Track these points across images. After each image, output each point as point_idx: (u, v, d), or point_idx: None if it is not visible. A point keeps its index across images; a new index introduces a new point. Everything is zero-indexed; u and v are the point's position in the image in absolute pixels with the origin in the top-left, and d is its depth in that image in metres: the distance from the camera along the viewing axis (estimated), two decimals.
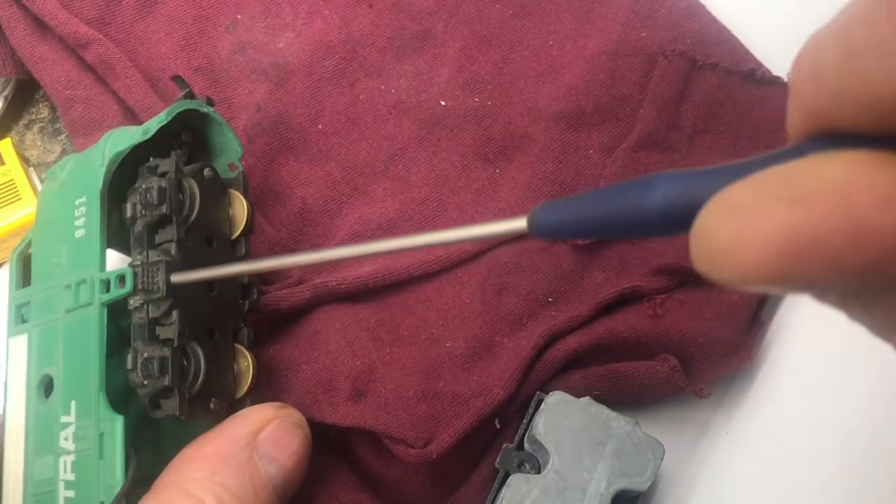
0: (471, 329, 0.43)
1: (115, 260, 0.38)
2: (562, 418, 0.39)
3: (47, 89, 0.48)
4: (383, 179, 0.46)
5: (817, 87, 0.19)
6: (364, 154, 0.47)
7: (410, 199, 0.46)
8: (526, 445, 0.40)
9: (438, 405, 0.41)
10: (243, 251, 0.37)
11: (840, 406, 0.43)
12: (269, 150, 0.46)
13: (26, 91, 0.53)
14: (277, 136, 0.46)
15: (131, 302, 0.31)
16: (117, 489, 0.29)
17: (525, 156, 0.47)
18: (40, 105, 0.53)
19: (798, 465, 0.43)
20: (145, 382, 0.31)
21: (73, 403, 0.31)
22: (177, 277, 0.34)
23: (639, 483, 0.38)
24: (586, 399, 0.40)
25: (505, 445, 0.40)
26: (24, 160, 0.50)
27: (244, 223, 0.37)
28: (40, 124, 0.52)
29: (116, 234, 0.34)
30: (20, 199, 0.48)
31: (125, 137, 0.34)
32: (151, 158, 0.34)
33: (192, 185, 0.34)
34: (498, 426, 0.41)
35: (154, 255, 0.32)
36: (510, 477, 0.38)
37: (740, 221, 0.17)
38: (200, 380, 0.32)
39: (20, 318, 0.34)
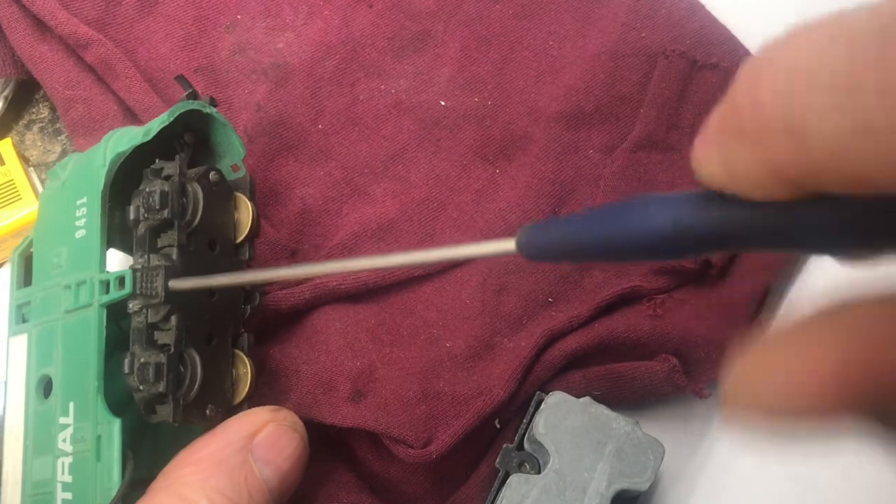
0: (471, 329, 0.43)
1: (120, 259, 0.38)
2: (562, 418, 0.39)
3: (47, 89, 0.48)
4: (383, 179, 0.46)
5: (799, 148, 0.16)
6: (364, 154, 0.47)
7: (410, 200, 0.46)
8: (526, 445, 0.40)
9: (438, 405, 0.41)
10: (247, 255, 0.37)
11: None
12: (269, 150, 0.46)
13: (26, 91, 0.53)
14: (277, 135, 0.46)
15: (130, 306, 0.31)
16: (114, 492, 0.29)
17: (525, 156, 0.47)
18: (40, 105, 0.53)
19: (798, 465, 0.43)
20: (141, 387, 0.31)
21: (71, 405, 0.31)
22: (175, 284, 0.34)
23: (639, 483, 0.38)
24: (586, 399, 0.40)
25: (505, 445, 0.40)
26: (25, 160, 0.50)
27: (248, 227, 0.37)
28: (40, 124, 0.52)
29: (120, 235, 0.34)
30: (20, 198, 0.48)
31: (127, 138, 0.34)
32: (157, 160, 0.33)
33: (196, 190, 0.34)
34: (498, 426, 0.41)
35: (155, 260, 0.32)
36: (510, 477, 0.38)
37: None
38: (197, 387, 0.32)
39: (21, 317, 0.34)
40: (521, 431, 0.41)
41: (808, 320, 0.18)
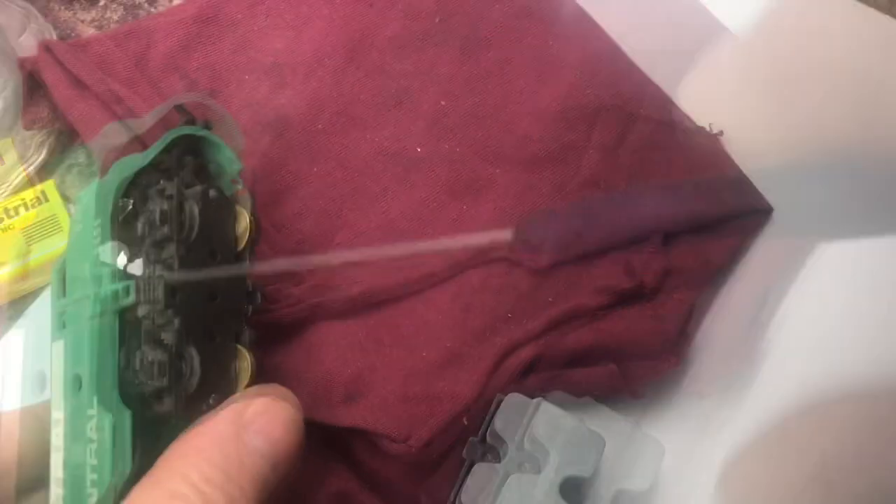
0: (443, 340, 0.43)
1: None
2: (519, 416, 0.39)
3: (84, 139, 0.48)
4: (369, 214, 0.47)
5: None
6: (353, 192, 0.47)
7: (391, 232, 0.46)
8: (488, 439, 0.40)
9: (416, 406, 0.41)
10: (247, 262, 0.36)
11: (750, 406, 0.45)
12: (272, 191, 0.46)
13: (67, 140, 0.53)
14: (279, 178, 0.46)
15: (139, 311, 0.31)
16: (127, 473, 0.29)
17: (489, 193, 0.47)
18: (78, 151, 0.53)
19: (715, 455, 0.43)
20: (147, 382, 0.31)
21: (94, 399, 0.31)
22: (260, 268, 0.35)
23: (584, 470, 0.38)
24: (539, 399, 0.40)
25: (471, 439, 0.40)
26: (65, 198, 0.50)
27: (247, 237, 0.36)
28: (79, 167, 0.53)
29: (138, 247, 0.33)
30: (61, 230, 0.48)
31: (129, 164, 0.33)
32: (161, 181, 0.33)
33: (193, 207, 0.33)
34: (465, 423, 0.42)
35: (159, 270, 0.32)
36: (475, 465, 0.39)
37: None
38: (196, 381, 0.32)
39: (61, 324, 0.34)
40: (484, 427, 0.41)
41: None
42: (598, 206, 0.47)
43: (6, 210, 0.48)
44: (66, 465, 0.32)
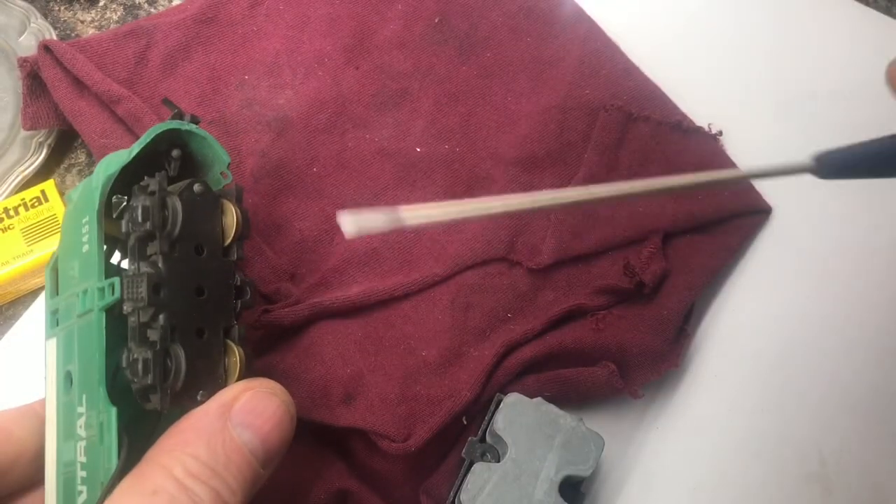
0: (442, 341, 0.43)
1: None
2: (518, 415, 0.39)
3: (84, 138, 0.48)
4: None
5: None
6: (352, 192, 0.47)
7: (391, 231, 0.46)
8: (488, 438, 0.40)
9: (416, 406, 0.41)
10: (235, 256, 0.36)
11: (749, 405, 0.45)
12: (272, 190, 0.46)
13: (67, 139, 0.53)
14: (279, 177, 0.47)
15: (125, 308, 0.30)
16: (112, 470, 0.29)
17: (488, 193, 0.47)
18: (78, 151, 0.53)
19: (715, 455, 0.44)
20: (134, 379, 0.30)
21: (84, 396, 0.31)
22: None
23: (583, 470, 0.39)
24: (538, 399, 0.40)
25: (470, 438, 0.40)
26: (65, 198, 0.50)
27: (234, 230, 0.35)
28: (78, 167, 0.53)
29: (124, 246, 0.33)
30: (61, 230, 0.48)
31: (115, 160, 0.33)
32: (145, 178, 0.33)
33: (175, 202, 0.33)
34: (465, 422, 0.42)
35: (143, 267, 0.31)
36: (474, 465, 0.39)
37: None
38: (182, 378, 0.31)
39: (55, 322, 0.34)
40: (483, 426, 0.41)
41: None
42: (598, 206, 0.47)
43: (6, 210, 0.48)
44: (59, 462, 0.32)
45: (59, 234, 0.47)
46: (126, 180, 0.33)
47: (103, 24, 0.58)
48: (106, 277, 0.31)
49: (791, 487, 0.43)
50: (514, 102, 0.50)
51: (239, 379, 0.34)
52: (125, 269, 0.32)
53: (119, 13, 0.58)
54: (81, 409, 0.31)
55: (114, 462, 0.29)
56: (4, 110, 0.53)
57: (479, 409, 0.42)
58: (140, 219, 0.31)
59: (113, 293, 0.30)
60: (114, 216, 0.33)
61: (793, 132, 0.51)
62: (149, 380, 0.30)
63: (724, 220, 0.48)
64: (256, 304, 0.38)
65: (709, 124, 0.50)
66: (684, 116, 0.50)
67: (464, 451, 0.40)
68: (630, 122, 0.49)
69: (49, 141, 0.52)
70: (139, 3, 0.58)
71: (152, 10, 0.58)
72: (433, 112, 0.50)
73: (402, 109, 0.50)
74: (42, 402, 0.34)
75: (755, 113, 0.52)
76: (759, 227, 0.49)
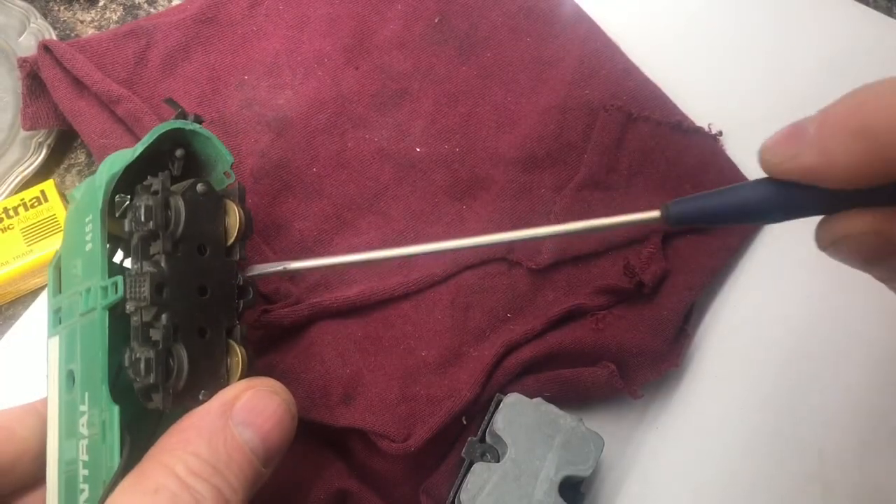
0: (442, 340, 0.43)
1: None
2: (517, 416, 0.40)
3: (84, 138, 0.48)
4: (368, 214, 0.47)
5: None
6: (352, 192, 0.47)
7: (390, 231, 0.46)
8: (487, 438, 0.40)
9: (416, 406, 0.41)
10: (238, 256, 0.36)
11: (749, 405, 0.45)
12: (272, 190, 0.46)
13: (66, 139, 0.53)
14: (279, 177, 0.47)
15: (128, 307, 0.30)
16: (115, 469, 0.29)
17: (487, 194, 0.47)
18: (78, 151, 0.53)
19: (715, 455, 0.44)
20: (136, 379, 0.30)
21: (86, 394, 0.31)
22: (253, 272, 0.35)
23: (582, 470, 0.39)
24: (538, 399, 0.40)
25: (470, 438, 0.40)
26: (65, 198, 0.50)
27: (237, 230, 0.35)
28: (78, 167, 0.53)
29: (127, 245, 0.33)
30: (61, 230, 0.48)
31: (119, 160, 0.33)
32: (148, 177, 0.33)
33: (178, 202, 0.33)
34: (464, 422, 0.42)
35: (146, 266, 0.31)
36: (474, 465, 0.39)
37: None
38: (184, 378, 0.31)
39: (57, 320, 0.34)
40: (483, 427, 0.41)
41: None
42: (598, 206, 0.47)
43: (6, 210, 0.48)
44: (61, 460, 0.32)
45: (58, 234, 0.48)
46: (129, 179, 0.33)
47: (103, 24, 0.58)
48: (109, 276, 0.31)
49: (791, 487, 0.43)
50: (514, 102, 0.50)
51: (241, 378, 0.34)
52: (128, 269, 0.32)
53: (119, 13, 0.58)
54: (84, 408, 0.31)
55: (116, 460, 0.29)
56: (4, 110, 0.53)
57: (479, 409, 0.42)
58: (143, 218, 0.31)
59: (116, 292, 0.30)
60: (116, 215, 0.33)
61: None
62: (151, 379, 0.30)
63: None
64: (257, 304, 0.38)
65: (709, 124, 0.50)
66: (684, 116, 0.50)
67: (463, 451, 0.40)
68: (630, 122, 0.49)
69: (49, 141, 0.52)
70: (139, 3, 0.58)
71: (152, 10, 0.58)
72: (433, 112, 0.50)
73: (402, 109, 0.50)
74: (44, 401, 0.34)
75: (755, 113, 0.52)
76: (760, 227, 0.49)
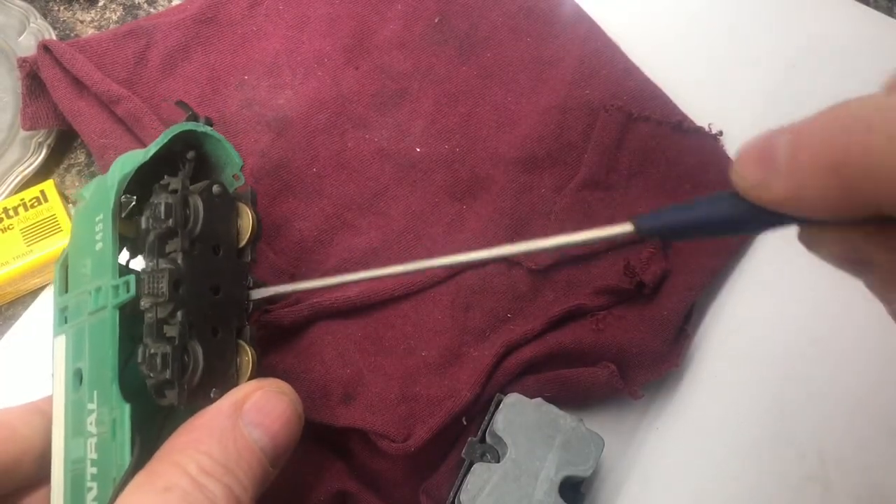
0: (442, 341, 0.43)
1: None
2: (518, 416, 0.40)
3: (84, 138, 0.48)
4: (368, 214, 0.47)
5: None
6: (352, 192, 0.47)
7: (391, 231, 0.46)
8: (487, 439, 0.41)
9: (416, 406, 0.41)
10: (249, 258, 0.36)
11: (749, 405, 0.45)
12: (272, 190, 0.46)
13: (66, 139, 0.53)
14: (279, 177, 0.47)
15: (142, 304, 0.31)
16: (126, 467, 0.29)
17: (488, 194, 0.47)
18: (78, 151, 0.53)
19: (715, 455, 0.44)
20: (151, 375, 0.30)
21: (95, 393, 0.31)
22: (257, 294, 0.35)
23: (583, 470, 0.39)
24: (538, 399, 0.40)
25: (470, 439, 0.40)
26: (65, 198, 0.50)
27: (249, 232, 0.36)
28: (78, 167, 0.53)
29: (143, 241, 0.33)
30: (61, 230, 0.48)
31: (131, 160, 0.33)
32: (165, 177, 0.33)
33: (197, 201, 0.33)
34: (465, 423, 0.42)
35: (163, 263, 0.31)
36: (474, 465, 0.39)
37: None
38: (199, 374, 0.31)
39: (63, 319, 0.34)
40: (483, 427, 0.41)
41: None
42: (598, 206, 0.47)
43: (6, 210, 0.48)
44: (67, 459, 0.32)
45: (58, 235, 0.48)
46: (137, 180, 0.33)
47: (103, 24, 0.58)
48: (119, 276, 0.32)
49: (791, 487, 0.43)
50: (514, 102, 0.50)
51: (251, 378, 0.35)
52: (135, 270, 0.33)
53: (118, 13, 0.58)
54: (92, 406, 0.31)
55: (127, 458, 0.29)
56: (4, 110, 0.53)
57: (479, 409, 0.42)
58: (163, 215, 0.32)
59: (128, 291, 0.31)
60: (122, 216, 0.33)
61: None
62: (167, 375, 0.30)
63: None
64: (259, 307, 0.39)
65: (709, 124, 0.50)
66: (684, 116, 0.50)
67: (464, 451, 0.40)
68: (630, 122, 0.49)
69: (48, 141, 0.52)
70: (139, 3, 0.58)
71: (152, 10, 0.58)
72: (433, 112, 0.50)
73: (402, 109, 0.50)
74: (46, 400, 0.34)
75: (755, 113, 0.52)
76: None
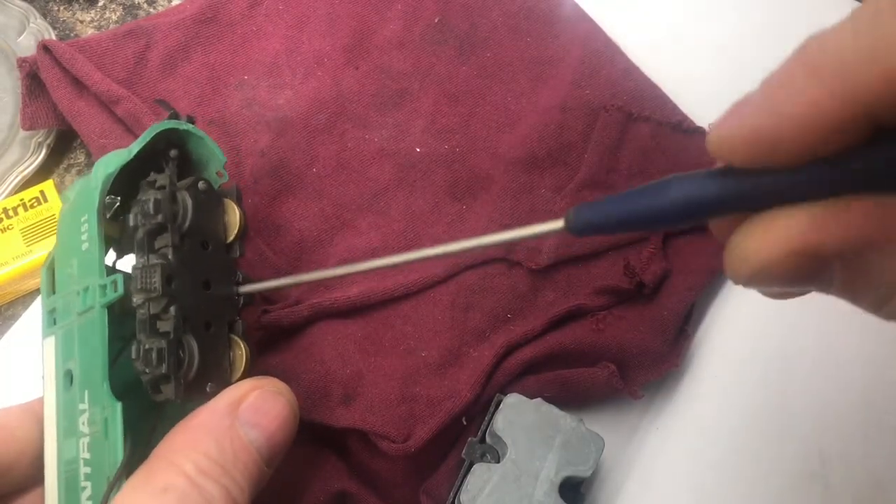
0: (442, 341, 0.43)
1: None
2: (518, 416, 0.40)
3: (84, 138, 0.48)
4: (368, 214, 0.47)
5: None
6: (352, 193, 0.47)
7: (391, 231, 0.46)
8: (487, 439, 0.40)
9: (416, 406, 0.41)
10: (238, 253, 0.36)
11: (749, 405, 0.45)
12: (272, 190, 0.46)
13: (66, 139, 0.53)
14: (278, 177, 0.47)
15: (134, 299, 0.31)
16: (119, 465, 0.29)
17: (488, 194, 0.47)
18: (78, 151, 0.53)
19: (715, 455, 0.44)
20: (146, 370, 0.30)
21: (86, 393, 0.31)
22: (245, 288, 0.35)
23: (582, 470, 0.39)
24: (538, 400, 0.40)
25: (470, 439, 0.40)
26: (65, 198, 0.50)
27: (237, 228, 0.36)
28: (77, 167, 0.53)
29: (129, 240, 0.33)
30: None
31: (114, 160, 0.33)
32: (151, 174, 0.33)
33: (185, 197, 0.33)
34: (464, 423, 0.42)
35: (153, 259, 0.31)
36: (474, 466, 0.39)
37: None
38: (195, 367, 0.31)
39: (52, 321, 0.34)
40: (483, 427, 0.41)
41: None
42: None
43: (6, 210, 0.49)
44: (60, 460, 0.32)
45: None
46: (121, 180, 0.33)
47: (102, 24, 0.58)
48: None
49: (791, 487, 0.43)
50: (514, 102, 0.50)
51: (245, 372, 0.35)
52: (122, 270, 0.32)
53: (118, 13, 0.58)
54: (83, 406, 0.31)
55: (120, 456, 0.30)
56: (4, 110, 0.53)
57: (479, 409, 0.42)
58: (152, 211, 0.32)
59: (116, 290, 0.31)
60: (107, 216, 0.33)
61: None
62: (163, 369, 0.30)
63: None
64: (255, 302, 0.39)
65: (709, 124, 0.50)
66: (685, 117, 0.50)
67: (463, 451, 0.40)
68: (630, 122, 0.49)
69: (48, 141, 0.52)
70: (138, 3, 0.58)
71: (151, 10, 0.58)
72: (433, 112, 0.50)
73: (402, 109, 0.50)
74: (40, 401, 0.34)
75: None
76: None
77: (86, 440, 0.31)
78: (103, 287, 0.31)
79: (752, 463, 0.43)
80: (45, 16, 0.57)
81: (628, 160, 0.48)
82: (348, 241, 0.46)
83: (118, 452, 0.30)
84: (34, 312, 0.48)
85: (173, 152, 0.35)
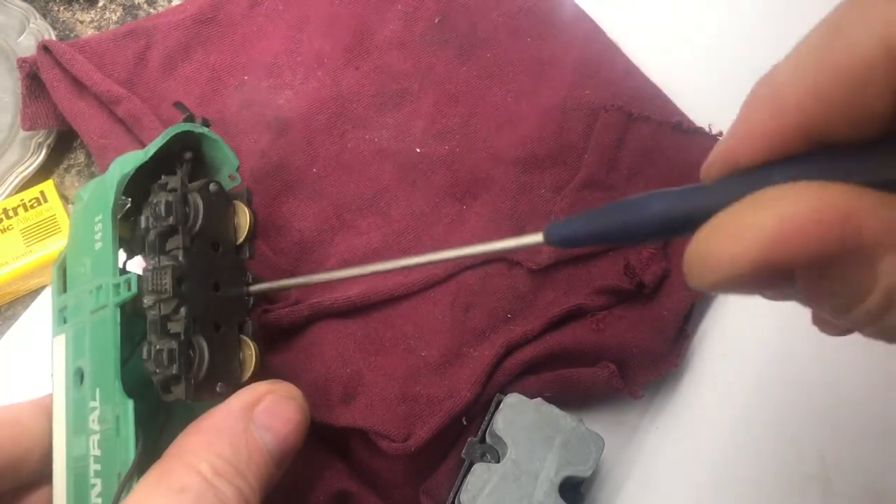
0: (442, 340, 0.43)
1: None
2: (518, 416, 0.40)
3: (84, 139, 0.48)
4: (368, 214, 0.47)
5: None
6: (352, 193, 0.47)
7: (391, 232, 0.46)
8: (487, 439, 0.41)
9: (416, 406, 0.41)
10: (247, 255, 0.37)
11: (749, 405, 0.45)
12: (272, 190, 0.46)
13: (66, 140, 0.53)
14: (279, 178, 0.47)
15: (145, 301, 0.31)
16: (130, 462, 0.30)
17: (488, 194, 0.47)
18: (77, 152, 0.53)
19: (715, 455, 0.44)
20: (157, 370, 0.31)
21: (97, 390, 0.31)
22: (255, 289, 0.36)
23: (582, 470, 0.39)
24: (538, 400, 0.40)
25: (470, 439, 0.40)
26: (64, 199, 0.50)
27: (247, 230, 0.36)
28: (77, 168, 0.53)
29: (139, 242, 0.34)
30: (60, 231, 0.48)
31: (130, 161, 0.34)
32: (162, 176, 0.34)
33: (196, 199, 0.34)
34: (465, 423, 0.42)
35: (164, 260, 0.32)
36: (474, 465, 0.39)
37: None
38: (205, 368, 0.32)
39: (62, 319, 0.34)
40: (483, 427, 0.41)
41: None
42: (599, 206, 0.47)
43: (6, 210, 0.49)
44: (69, 456, 0.32)
45: (58, 235, 0.48)
46: (132, 182, 0.34)
47: (102, 24, 0.58)
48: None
49: (791, 487, 0.43)
50: (514, 103, 0.50)
51: (254, 372, 0.35)
52: (132, 271, 0.33)
53: (118, 13, 0.58)
54: (94, 404, 0.31)
55: (131, 454, 0.30)
56: (4, 111, 0.53)
57: (479, 409, 0.42)
58: (164, 213, 0.32)
59: (129, 289, 0.31)
60: (119, 217, 0.33)
61: None
62: (174, 370, 0.31)
63: None
64: (260, 303, 0.39)
65: (709, 124, 0.50)
66: (684, 117, 0.50)
67: (464, 451, 0.40)
68: (630, 122, 0.49)
69: (48, 141, 0.52)
70: (138, 4, 0.58)
71: (152, 10, 0.58)
72: (433, 112, 0.49)
73: (402, 110, 0.50)
74: (50, 397, 0.34)
75: None
76: None
77: (96, 437, 0.31)
78: (117, 286, 0.31)
79: (751, 463, 0.43)
80: (45, 16, 0.57)
81: (628, 160, 0.48)
82: (348, 241, 0.46)
83: (130, 450, 0.30)
84: (34, 312, 0.48)
85: (188, 154, 0.36)
